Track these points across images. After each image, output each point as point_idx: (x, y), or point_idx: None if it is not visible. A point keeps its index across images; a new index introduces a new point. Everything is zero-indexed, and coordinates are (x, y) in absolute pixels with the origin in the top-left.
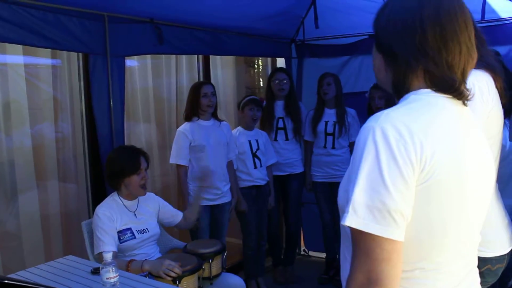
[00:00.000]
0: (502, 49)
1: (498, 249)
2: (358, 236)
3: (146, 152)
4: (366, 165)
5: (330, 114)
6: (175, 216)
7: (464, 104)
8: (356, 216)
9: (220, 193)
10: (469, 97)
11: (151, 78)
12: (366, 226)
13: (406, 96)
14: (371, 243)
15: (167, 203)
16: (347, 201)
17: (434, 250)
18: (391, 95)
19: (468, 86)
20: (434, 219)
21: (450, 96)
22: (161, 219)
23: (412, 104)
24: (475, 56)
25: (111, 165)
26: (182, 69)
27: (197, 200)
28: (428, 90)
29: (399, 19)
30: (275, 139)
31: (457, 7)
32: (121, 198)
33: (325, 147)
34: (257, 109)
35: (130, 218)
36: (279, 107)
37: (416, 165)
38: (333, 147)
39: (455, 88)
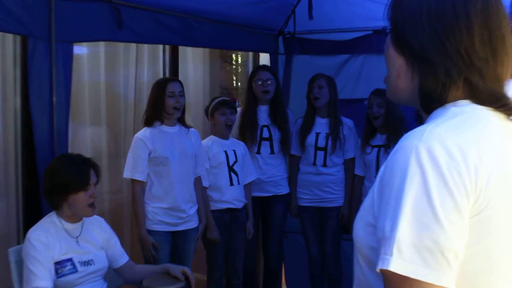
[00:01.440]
0: None
1: None
2: (401, 283)
3: (97, 163)
4: (410, 194)
5: (322, 124)
6: (120, 257)
7: (509, 118)
8: (401, 259)
9: (184, 217)
10: None
11: (104, 71)
12: (416, 271)
13: (442, 109)
14: None
15: (116, 238)
16: (383, 238)
17: None
18: (391, 104)
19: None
20: (492, 258)
21: (492, 109)
22: None
23: (458, 119)
24: None
25: (52, 178)
26: (144, 62)
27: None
28: (468, 101)
29: (437, 12)
30: (258, 152)
31: (499, 2)
32: (61, 219)
33: (314, 164)
34: (230, 112)
35: (71, 246)
36: (263, 113)
37: (471, 193)
38: (324, 165)
39: (502, 102)
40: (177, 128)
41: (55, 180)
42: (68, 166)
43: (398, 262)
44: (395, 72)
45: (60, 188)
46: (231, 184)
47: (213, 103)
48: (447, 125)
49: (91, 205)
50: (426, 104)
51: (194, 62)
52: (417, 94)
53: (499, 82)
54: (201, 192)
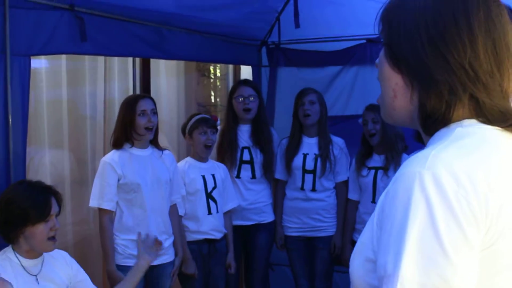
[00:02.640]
0: None
1: None
2: None
3: (58, 191)
4: (415, 226)
5: (310, 145)
6: None
7: None
8: None
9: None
10: None
11: (66, 87)
12: None
13: (446, 130)
14: None
15: (84, 273)
16: (385, 276)
17: None
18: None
19: None
20: None
21: (501, 129)
22: None
23: (465, 141)
24: None
25: (7, 208)
26: (113, 76)
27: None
28: (474, 121)
29: (436, 25)
30: (238, 176)
31: (502, 6)
32: (17, 255)
33: (302, 188)
34: (211, 132)
35: (29, 286)
36: (243, 133)
37: (481, 224)
38: (314, 189)
39: (511, 121)
40: (149, 151)
41: (9, 210)
42: (25, 194)
43: None
44: (390, 91)
45: (16, 219)
46: (209, 213)
47: (192, 120)
48: (453, 149)
49: (52, 239)
50: (428, 126)
51: (167, 76)
52: (417, 114)
53: (505, 99)
54: (177, 221)
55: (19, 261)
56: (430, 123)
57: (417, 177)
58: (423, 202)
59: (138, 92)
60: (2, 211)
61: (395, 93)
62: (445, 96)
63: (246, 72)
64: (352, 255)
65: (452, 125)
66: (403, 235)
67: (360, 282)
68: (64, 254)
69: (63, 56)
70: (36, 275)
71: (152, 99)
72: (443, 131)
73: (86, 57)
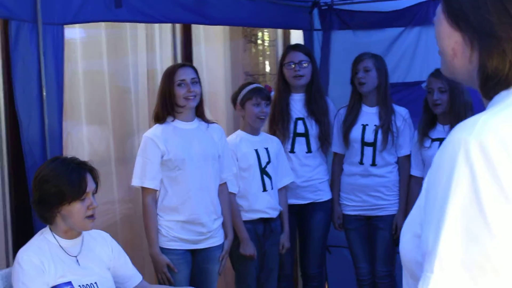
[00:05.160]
0: None
1: None
2: None
3: (95, 167)
4: (457, 199)
5: (369, 115)
6: (131, 278)
7: None
8: (444, 278)
9: (205, 232)
10: None
11: (106, 58)
12: None
13: (506, 92)
14: None
15: (126, 255)
16: (426, 252)
17: None
18: (456, 87)
19: None
20: None
21: None
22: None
23: None
24: None
25: (42, 187)
26: (155, 45)
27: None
28: None
29: None
30: (292, 151)
31: None
32: (55, 236)
33: (361, 163)
34: (265, 104)
35: (70, 267)
36: (297, 103)
37: None
38: (374, 164)
39: None
40: (195, 124)
41: (44, 189)
42: (60, 171)
43: (440, 282)
44: (449, 50)
45: (52, 198)
46: (264, 189)
47: (244, 90)
48: (507, 114)
49: (90, 217)
50: (488, 87)
51: (210, 44)
52: (476, 75)
53: None
54: (227, 201)
55: (58, 242)
56: (490, 85)
57: (462, 145)
58: (467, 172)
59: (180, 62)
60: (37, 189)
61: (455, 52)
62: (508, 55)
63: (296, 37)
64: (403, 229)
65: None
66: (444, 209)
67: (408, 258)
68: (105, 235)
69: (101, 25)
70: (76, 256)
71: (193, 67)
72: (503, 94)
73: (127, 25)
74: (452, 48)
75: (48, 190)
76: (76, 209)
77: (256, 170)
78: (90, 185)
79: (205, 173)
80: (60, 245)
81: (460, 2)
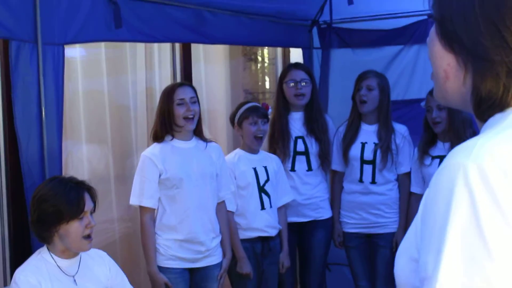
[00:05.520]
0: None
1: None
2: None
3: (93, 186)
4: (456, 224)
5: (369, 133)
6: None
7: None
8: None
9: (204, 251)
10: None
11: (106, 76)
12: None
13: (500, 115)
14: None
15: (123, 275)
16: (426, 277)
17: None
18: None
19: None
20: None
21: None
22: None
23: None
24: None
25: (40, 206)
26: (154, 64)
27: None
28: None
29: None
30: (292, 169)
31: None
32: (53, 256)
33: (361, 181)
34: (262, 122)
35: (67, 287)
36: (296, 121)
37: None
38: (374, 182)
39: None
40: (193, 143)
41: (42, 208)
42: (58, 191)
43: None
44: (442, 72)
45: (49, 217)
46: (262, 208)
47: (241, 110)
48: (504, 137)
49: (87, 237)
50: (482, 110)
51: (210, 62)
52: (470, 98)
53: None
54: (225, 219)
55: (55, 261)
56: (484, 108)
57: (461, 169)
58: (466, 196)
59: (179, 80)
60: (35, 209)
61: (447, 74)
62: (502, 79)
63: (296, 55)
64: (398, 252)
65: (509, 110)
66: (444, 234)
67: (404, 283)
68: (102, 254)
69: (101, 45)
70: (73, 276)
71: (192, 86)
72: (497, 116)
73: (127, 44)
74: (444, 70)
75: (46, 209)
76: (73, 228)
77: (254, 188)
78: (88, 204)
79: (203, 192)
80: (57, 265)
81: (454, 24)
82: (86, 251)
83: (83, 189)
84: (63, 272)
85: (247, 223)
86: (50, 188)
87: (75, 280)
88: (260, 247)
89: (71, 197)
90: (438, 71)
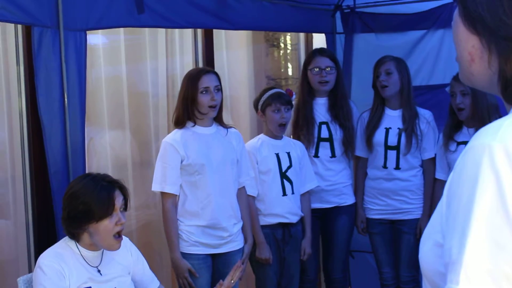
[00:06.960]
0: None
1: None
2: None
3: (125, 185)
4: (482, 206)
5: (393, 118)
6: (149, 283)
7: None
8: None
9: (226, 236)
10: None
11: (126, 63)
12: None
13: None
14: None
15: (144, 260)
16: (450, 263)
17: None
18: (479, 91)
19: None
20: None
21: None
22: None
23: None
24: None
25: (71, 203)
26: (175, 51)
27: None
28: None
29: None
30: (316, 155)
31: None
32: (79, 246)
33: (385, 166)
34: (285, 109)
35: (91, 275)
36: (320, 107)
37: None
38: (398, 167)
39: None
40: (214, 129)
41: (73, 205)
42: (89, 189)
43: None
44: (467, 55)
45: (79, 215)
46: (284, 194)
47: (264, 96)
48: None
49: (118, 235)
50: (510, 92)
51: (233, 48)
52: (497, 80)
53: None
54: (246, 205)
55: (80, 251)
56: (511, 90)
57: (486, 151)
58: (492, 178)
59: (200, 66)
60: (66, 206)
61: (472, 56)
62: None
63: (319, 40)
64: (422, 237)
65: None
66: (469, 217)
67: (429, 268)
68: (125, 240)
69: (121, 31)
70: (97, 267)
71: (216, 74)
72: None
73: (146, 30)
74: (469, 53)
75: (77, 207)
76: (103, 226)
77: (276, 174)
78: (119, 202)
79: (225, 178)
80: (81, 255)
81: (476, 4)
82: (116, 250)
83: (114, 188)
84: (87, 263)
85: (267, 209)
86: (82, 185)
87: (99, 271)
88: (281, 233)
89: (102, 196)
90: (463, 54)
